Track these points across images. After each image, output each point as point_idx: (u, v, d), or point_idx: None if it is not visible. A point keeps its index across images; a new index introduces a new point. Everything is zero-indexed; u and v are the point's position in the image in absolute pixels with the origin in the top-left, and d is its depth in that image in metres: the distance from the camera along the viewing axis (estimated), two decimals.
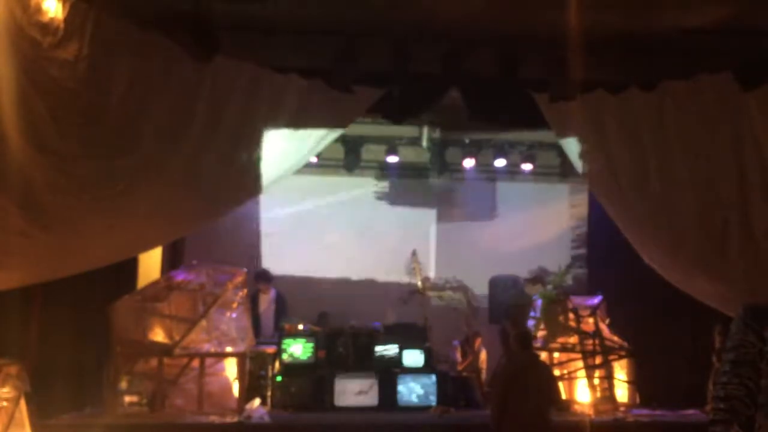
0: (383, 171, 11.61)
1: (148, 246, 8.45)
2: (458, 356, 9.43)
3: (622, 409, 8.38)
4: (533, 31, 7.44)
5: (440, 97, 8.24)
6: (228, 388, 8.16)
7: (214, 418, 7.54)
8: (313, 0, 7.19)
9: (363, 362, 8.82)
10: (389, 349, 8.85)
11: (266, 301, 9.80)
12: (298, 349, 8.74)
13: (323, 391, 8.50)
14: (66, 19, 6.02)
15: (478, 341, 9.35)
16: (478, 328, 9.52)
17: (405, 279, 10.10)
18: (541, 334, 8.80)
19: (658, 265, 8.05)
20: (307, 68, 7.70)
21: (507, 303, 9.53)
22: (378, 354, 8.85)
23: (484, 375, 9.13)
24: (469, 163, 11.20)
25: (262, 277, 9.83)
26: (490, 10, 7.15)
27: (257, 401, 8.11)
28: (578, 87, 7.72)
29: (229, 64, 7.31)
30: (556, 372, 8.22)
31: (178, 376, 8.03)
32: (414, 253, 10.09)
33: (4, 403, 5.86)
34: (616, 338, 8.91)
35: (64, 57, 6.06)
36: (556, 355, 8.75)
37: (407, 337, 9.15)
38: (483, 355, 9.26)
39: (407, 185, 11.75)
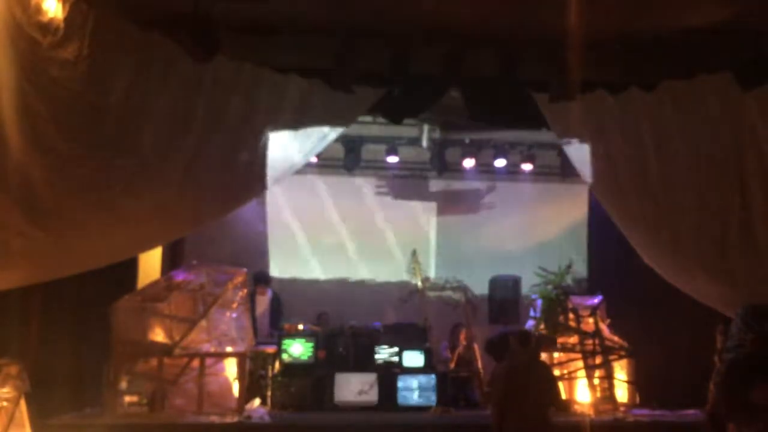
0: (383, 171, 11.61)
1: (148, 246, 8.45)
2: (448, 353, 9.42)
3: (622, 409, 8.36)
4: (533, 31, 7.43)
5: (440, 97, 8.23)
6: (228, 388, 8.15)
7: (214, 418, 7.53)
8: (313, 0, 7.19)
9: (363, 362, 8.82)
10: (389, 349, 8.86)
11: (263, 303, 9.79)
12: (298, 349, 8.74)
13: (323, 391, 8.49)
14: (66, 19, 6.03)
15: (463, 334, 9.32)
16: (462, 322, 9.43)
17: (405, 279, 10.11)
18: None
19: (658, 265, 8.04)
20: (307, 68, 7.68)
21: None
22: (378, 354, 8.86)
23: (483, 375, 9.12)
24: (469, 163, 11.20)
25: (260, 279, 9.82)
26: (490, 10, 7.15)
27: (257, 401, 8.13)
28: (578, 87, 7.71)
29: (229, 64, 7.30)
30: (556, 372, 8.22)
31: (178, 376, 8.01)
32: (414, 253, 10.09)
33: (4, 403, 5.87)
34: (616, 338, 8.90)
35: (64, 57, 6.07)
36: (556, 355, 8.75)
37: (407, 337, 9.15)
38: (476, 347, 9.18)
39: (407, 185, 11.75)
